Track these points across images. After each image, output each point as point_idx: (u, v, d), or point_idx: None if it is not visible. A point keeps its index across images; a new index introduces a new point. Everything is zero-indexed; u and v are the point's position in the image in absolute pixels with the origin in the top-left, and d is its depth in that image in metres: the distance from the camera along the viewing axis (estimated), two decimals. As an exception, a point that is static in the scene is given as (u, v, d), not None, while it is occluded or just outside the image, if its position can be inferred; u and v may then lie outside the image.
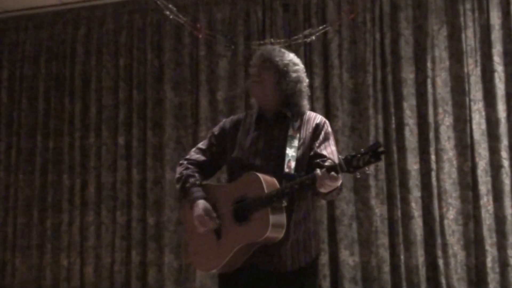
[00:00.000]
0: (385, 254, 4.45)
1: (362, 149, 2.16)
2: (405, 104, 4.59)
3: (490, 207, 4.38)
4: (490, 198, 4.39)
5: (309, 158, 2.42)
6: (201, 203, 2.45)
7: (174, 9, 4.53)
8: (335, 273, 4.54)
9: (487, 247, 4.31)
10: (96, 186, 5.19)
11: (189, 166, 2.60)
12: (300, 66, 2.54)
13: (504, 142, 4.40)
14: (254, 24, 4.96)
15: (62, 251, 5.14)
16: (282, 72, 2.48)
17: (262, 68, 2.50)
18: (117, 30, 5.34)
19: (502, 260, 4.32)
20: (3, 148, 5.48)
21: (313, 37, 4.61)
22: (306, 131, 2.48)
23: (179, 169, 2.62)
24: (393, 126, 4.59)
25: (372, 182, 4.54)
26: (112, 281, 5.01)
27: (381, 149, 2.13)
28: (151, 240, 4.97)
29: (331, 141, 2.49)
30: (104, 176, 5.16)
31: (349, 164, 2.16)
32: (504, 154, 4.38)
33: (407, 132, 4.55)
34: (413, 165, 4.51)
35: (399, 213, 4.48)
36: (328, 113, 4.72)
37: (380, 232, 4.49)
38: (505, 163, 4.38)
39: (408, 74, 4.63)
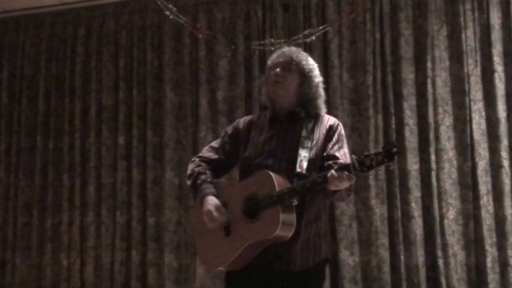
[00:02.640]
0: (385, 254, 4.45)
1: (375, 149, 2.17)
2: (405, 104, 4.59)
3: (490, 207, 4.38)
4: (490, 198, 4.39)
5: (322, 159, 2.43)
6: (211, 199, 2.45)
7: (174, 9, 4.52)
8: (335, 273, 4.54)
9: (487, 247, 4.31)
10: (96, 186, 5.19)
11: (201, 163, 2.60)
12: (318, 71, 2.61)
13: (504, 142, 4.40)
14: (254, 24, 4.97)
15: (62, 251, 5.14)
16: (306, 76, 2.53)
17: (286, 70, 2.51)
18: (117, 30, 5.34)
19: (502, 260, 4.32)
20: (3, 148, 5.47)
21: (313, 37, 4.60)
22: (320, 132, 2.49)
23: (190, 166, 2.62)
24: (393, 126, 4.58)
25: (372, 182, 4.54)
26: (112, 281, 5.01)
27: (395, 149, 2.12)
28: (151, 240, 4.96)
29: (344, 143, 2.51)
30: (104, 176, 5.16)
31: (362, 164, 2.15)
32: (504, 154, 4.38)
33: (407, 132, 4.55)
34: (413, 165, 4.51)
35: (399, 213, 4.48)
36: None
37: (380, 232, 4.49)
38: (505, 163, 4.38)
39: (408, 74, 4.63)
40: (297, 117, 2.52)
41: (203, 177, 2.54)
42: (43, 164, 5.34)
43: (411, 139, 4.54)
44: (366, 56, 4.70)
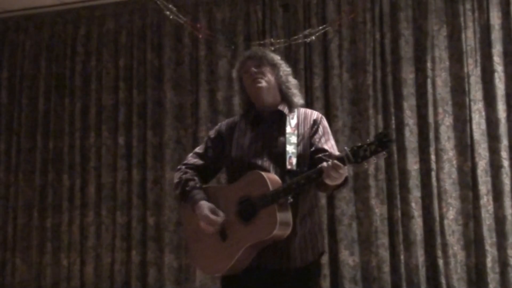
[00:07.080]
0: (385, 254, 4.45)
1: (368, 139, 2.16)
2: (405, 104, 4.59)
3: (490, 207, 4.38)
4: (490, 198, 4.39)
5: (311, 154, 2.43)
6: (204, 203, 2.43)
7: (174, 9, 4.53)
8: (335, 273, 4.54)
9: (487, 247, 4.31)
10: (96, 186, 5.19)
11: (188, 170, 2.58)
12: None
13: (504, 142, 4.40)
14: (254, 24, 4.96)
15: (62, 251, 5.14)
16: (277, 66, 2.53)
17: (259, 66, 2.51)
18: (117, 30, 5.34)
19: (502, 260, 4.32)
20: (3, 148, 5.48)
21: (313, 37, 4.61)
22: (304, 127, 2.49)
23: (177, 174, 2.59)
24: (393, 126, 4.59)
25: (372, 182, 4.54)
26: (112, 281, 5.01)
27: (387, 138, 2.11)
28: (151, 240, 4.96)
29: (330, 136, 2.52)
30: (104, 176, 5.16)
31: (356, 155, 2.14)
32: (504, 154, 4.38)
33: (407, 132, 4.55)
34: (413, 165, 4.51)
35: (399, 213, 4.48)
36: (328, 113, 4.72)
37: (380, 232, 4.49)
38: (505, 163, 4.37)
39: (408, 74, 4.63)
40: (281, 114, 2.51)
41: (191, 183, 2.51)
42: (43, 164, 5.34)
43: (411, 139, 4.54)
44: (366, 56, 4.70)
